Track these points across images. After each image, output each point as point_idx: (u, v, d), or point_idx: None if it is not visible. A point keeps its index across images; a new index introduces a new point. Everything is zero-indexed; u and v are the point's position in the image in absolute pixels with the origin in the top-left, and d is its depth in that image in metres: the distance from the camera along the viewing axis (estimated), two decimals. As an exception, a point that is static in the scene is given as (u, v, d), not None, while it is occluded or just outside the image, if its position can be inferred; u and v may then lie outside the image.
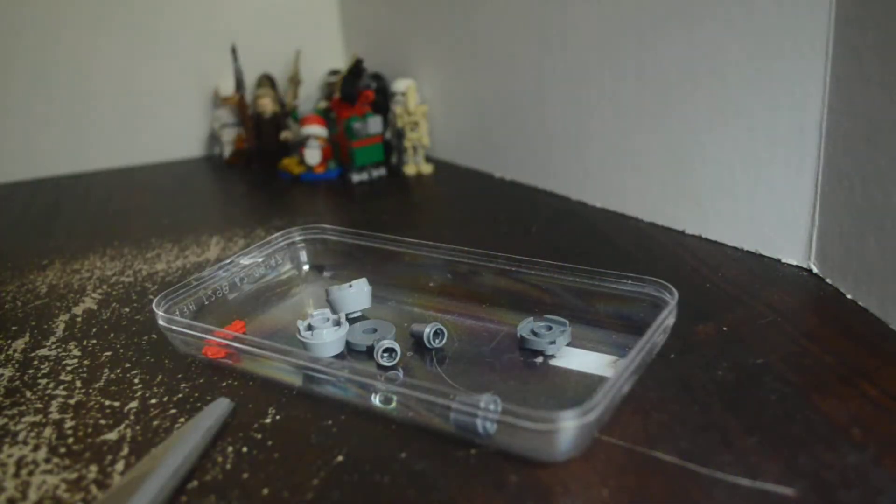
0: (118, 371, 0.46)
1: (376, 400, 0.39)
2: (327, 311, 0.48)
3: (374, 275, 0.53)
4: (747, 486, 0.32)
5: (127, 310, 0.55)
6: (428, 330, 0.45)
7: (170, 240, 0.71)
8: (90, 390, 0.44)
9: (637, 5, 0.61)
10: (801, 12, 0.49)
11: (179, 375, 0.45)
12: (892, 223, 0.44)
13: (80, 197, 0.90)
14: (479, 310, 0.50)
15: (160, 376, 0.45)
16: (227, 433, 0.39)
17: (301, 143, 0.90)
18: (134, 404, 0.42)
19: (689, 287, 0.51)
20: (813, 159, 0.51)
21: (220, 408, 0.39)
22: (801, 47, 0.50)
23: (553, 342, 0.44)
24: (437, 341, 0.45)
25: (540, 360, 0.44)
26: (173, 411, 0.41)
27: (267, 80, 1.00)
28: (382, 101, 0.92)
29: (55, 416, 0.42)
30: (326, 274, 0.59)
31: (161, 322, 0.45)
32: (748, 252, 0.57)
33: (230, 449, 0.37)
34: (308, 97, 1.06)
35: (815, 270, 0.53)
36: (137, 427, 0.40)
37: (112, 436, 0.39)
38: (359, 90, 0.87)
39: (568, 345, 0.45)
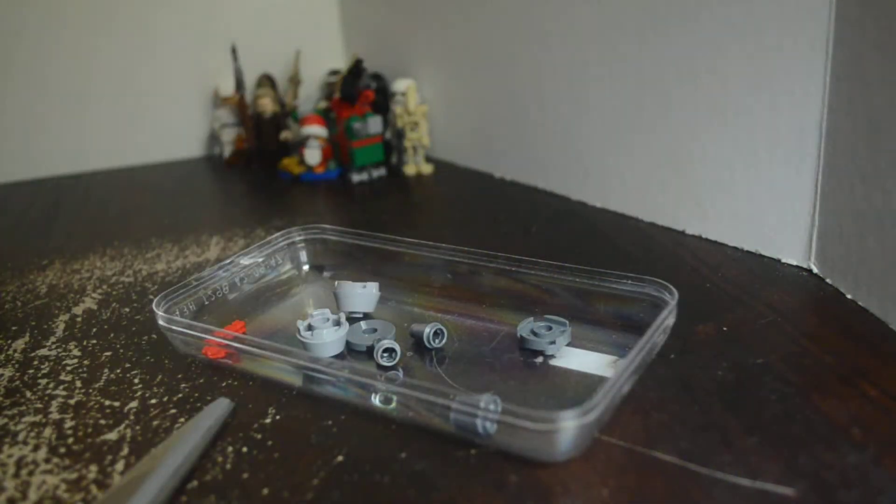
0: (118, 371, 0.46)
1: (376, 400, 0.39)
2: (327, 311, 0.48)
3: (374, 275, 0.53)
4: (747, 486, 0.32)
5: (127, 310, 0.55)
6: (428, 330, 0.45)
7: (170, 240, 0.71)
8: (90, 390, 0.44)
9: (637, 5, 0.61)
10: (801, 12, 0.49)
11: (179, 375, 0.45)
12: (892, 223, 0.44)
13: (80, 197, 0.90)
14: (479, 310, 0.50)
15: (160, 376, 0.45)
16: (227, 433, 0.39)
17: (301, 143, 0.90)
18: (134, 404, 0.42)
19: (689, 287, 0.51)
20: (813, 159, 0.51)
21: (220, 408, 0.39)
22: (801, 47, 0.50)
23: (553, 342, 0.44)
24: (437, 341, 0.45)
25: (540, 360, 0.44)
26: (173, 411, 0.41)
27: (267, 80, 1.00)
28: (382, 101, 0.92)
29: (55, 416, 0.42)
30: (326, 274, 0.59)
31: (161, 322, 0.45)
32: (748, 252, 0.57)
33: (230, 449, 0.37)
34: (308, 97, 1.06)
35: (815, 270, 0.53)
36: (137, 427, 0.40)
37: (112, 436, 0.39)
38: (359, 90, 0.87)
39: (568, 345, 0.45)
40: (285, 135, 0.95)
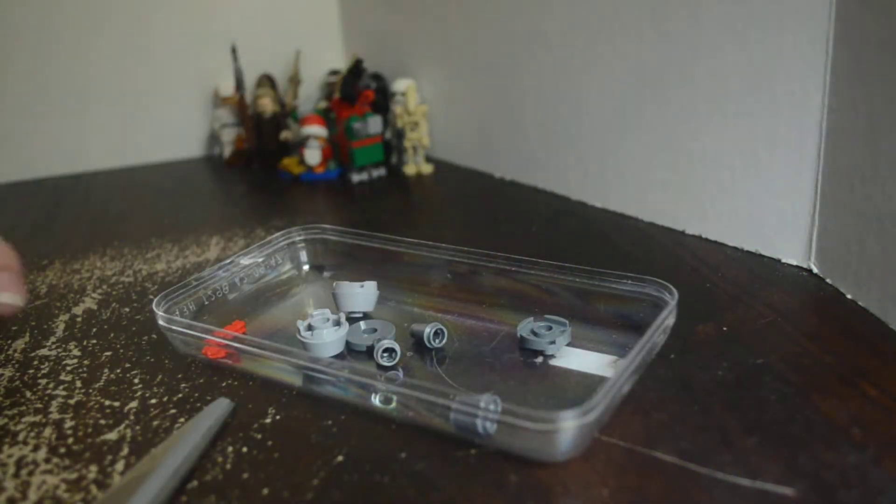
0: (118, 371, 0.46)
1: (376, 400, 0.39)
2: (327, 311, 0.48)
3: (374, 275, 0.53)
4: (747, 486, 0.32)
5: (127, 310, 0.55)
6: (428, 330, 0.45)
7: (170, 240, 0.71)
8: (90, 390, 0.44)
9: (637, 5, 0.61)
10: (801, 12, 0.49)
11: (179, 375, 0.45)
12: (892, 223, 0.44)
13: (80, 197, 0.90)
14: (479, 310, 0.50)
15: (160, 376, 0.45)
16: (227, 433, 0.39)
17: (301, 143, 0.90)
18: (134, 404, 0.42)
19: (689, 287, 0.51)
20: (813, 159, 0.51)
21: (220, 408, 0.39)
22: (801, 47, 0.50)
23: (553, 342, 0.44)
24: (437, 341, 0.45)
25: (540, 360, 0.44)
26: (173, 411, 0.41)
27: (267, 80, 1.00)
28: (382, 101, 0.92)
29: (55, 416, 0.42)
30: (326, 274, 0.59)
31: (161, 322, 0.45)
32: (748, 252, 0.57)
33: (230, 449, 0.37)
34: (308, 97, 1.06)
35: (815, 270, 0.53)
36: (137, 427, 0.40)
37: (112, 436, 0.39)
38: (359, 90, 0.87)
39: (568, 345, 0.45)
40: (285, 135, 0.95)
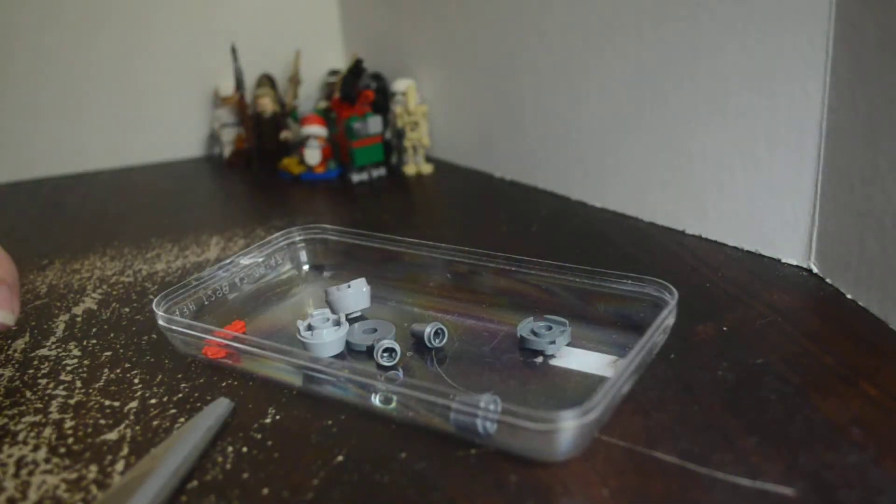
0: (118, 371, 0.46)
1: (376, 400, 0.39)
2: (327, 311, 0.48)
3: (374, 275, 0.53)
4: (747, 486, 0.32)
5: (127, 310, 0.55)
6: (428, 330, 0.45)
7: (170, 240, 0.71)
8: (90, 390, 0.44)
9: (637, 5, 0.61)
10: (801, 12, 0.49)
11: (179, 375, 0.45)
12: (892, 223, 0.44)
13: (80, 197, 0.90)
14: (479, 310, 0.50)
15: (160, 376, 0.45)
16: (227, 433, 0.39)
17: (301, 143, 0.90)
18: (134, 404, 0.42)
19: (689, 287, 0.51)
20: (813, 159, 0.51)
21: (220, 408, 0.39)
22: (801, 47, 0.50)
23: (553, 342, 0.44)
24: (437, 341, 0.45)
25: (540, 360, 0.44)
26: (173, 411, 0.41)
27: (267, 80, 1.00)
28: (382, 101, 0.92)
29: (55, 416, 0.42)
30: (326, 274, 0.59)
31: (161, 322, 0.45)
32: (748, 252, 0.57)
33: (230, 449, 0.37)
34: (308, 97, 1.06)
35: (815, 270, 0.53)
36: (137, 427, 0.40)
37: (112, 436, 0.39)
38: (359, 90, 0.87)
39: (568, 345, 0.45)
40: (285, 135, 0.95)
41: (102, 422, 0.41)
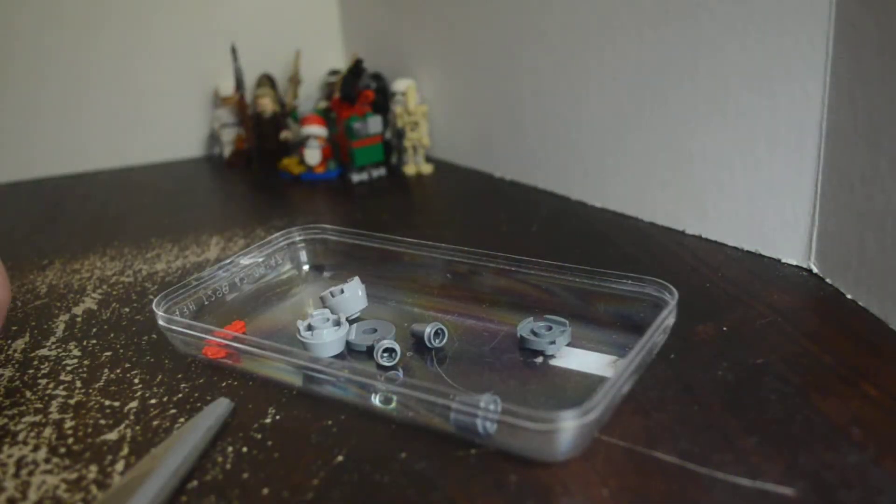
0: (118, 371, 0.46)
1: (376, 400, 0.39)
2: (327, 311, 0.48)
3: (374, 275, 0.53)
4: (747, 486, 0.32)
5: (127, 310, 0.55)
6: (428, 330, 0.45)
7: (170, 240, 0.71)
8: (90, 390, 0.44)
9: (636, 5, 0.61)
10: (801, 12, 0.49)
11: (179, 375, 0.45)
12: (892, 223, 0.44)
13: (79, 197, 0.90)
14: (479, 310, 0.50)
15: (160, 376, 0.45)
16: (227, 433, 0.39)
17: (301, 143, 0.90)
18: (134, 404, 0.42)
19: (689, 287, 0.51)
20: (813, 159, 0.51)
21: (220, 408, 0.39)
22: (801, 47, 0.50)
23: (553, 342, 0.44)
24: (437, 341, 0.45)
25: (540, 360, 0.44)
26: (173, 411, 0.41)
27: (267, 80, 1.00)
28: (382, 101, 0.92)
29: (55, 416, 0.42)
30: (326, 274, 0.59)
31: (161, 322, 0.45)
32: (748, 252, 0.57)
33: (230, 449, 0.37)
34: (308, 97, 1.06)
35: (815, 270, 0.53)
36: (137, 427, 0.40)
37: (112, 436, 0.39)
38: (359, 90, 0.87)
39: (568, 345, 0.45)
40: (285, 135, 0.95)
41: (102, 422, 0.41)
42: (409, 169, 0.90)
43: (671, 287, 0.44)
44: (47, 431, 0.40)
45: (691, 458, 0.34)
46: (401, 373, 0.44)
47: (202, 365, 0.46)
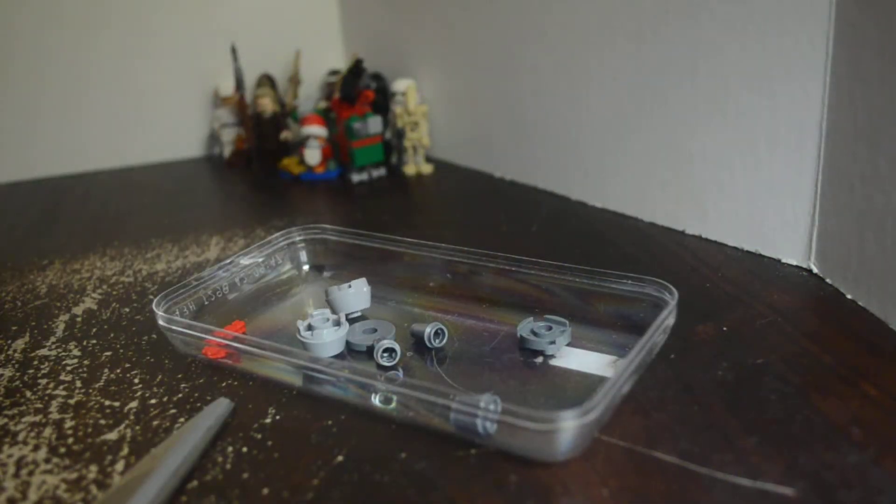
0: (118, 371, 0.46)
1: (376, 400, 0.39)
2: (327, 311, 0.48)
3: (374, 275, 0.53)
4: (747, 486, 0.32)
5: (127, 310, 0.55)
6: (428, 330, 0.45)
7: (170, 240, 0.71)
8: (90, 390, 0.44)
9: (636, 5, 0.61)
10: (801, 12, 0.49)
11: (179, 375, 0.45)
12: (892, 223, 0.44)
13: (79, 197, 0.90)
14: (479, 310, 0.50)
15: (160, 376, 0.45)
16: (227, 433, 0.39)
17: (301, 143, 0.90)
18: (134, 404, 0.42)
19: (689, 287, 0.51)
20: (813, 159, 0.51)
21: (220, 408, 0.39)
22: (801, 47, 0.50)
23: (553, 342, 0.44)
24: (437, 341, 0.45)
25: (540, 360, 0.44)
26: (173, 411, 0.41)
27: (267, 80, 1.00)
28: (382, 101, 0.92)
29: (55, 416, 0.42)
30: (326, 274, 0.59)
31: (161, 322, 0.45)
32: (748, 252, 0.57)
33: (230, 449, 0.37)
34: (308, 97, 1.06)
35: (815, 270, 0.53)
36: (137, 427, 0.40)
37: (112, 436, 0.39)
38: (359, 90, 0.87)
39: (568, 345, 0.45)
40: (285, 135, 0.95)
41: (102, 422, 0.41)
42: (409, 169, 0.90)
43: (671, 287, 0.44)
44: (47, 431, 0.40)
45: (691, 458, 0.34)
46: (401, 373, 0.44)
47: (202, 365, 0.46)
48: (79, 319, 0.54)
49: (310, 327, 0.46)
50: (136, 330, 0.52)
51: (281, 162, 0.93)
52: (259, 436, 0.38)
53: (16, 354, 0.49)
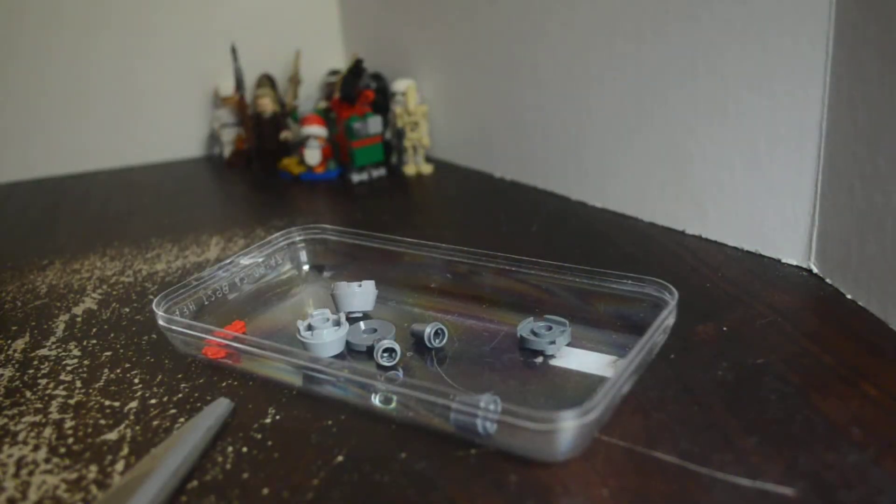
0: (118, 371, 0.46)
1: (376, 400, 0.39)
2: (327, 311, 0.48)
3: (374, 275, 0.53)
4: (747, 486, 0.32)
5: (127, 310, 0.55)
6: (428, 330, 0.45)
7: (170, 240, 0.71)
8: (90, 390, 0.44)
9: (637, 5, 0.61)
10: (801, 12, 0.49)
11: (179, 375, 0.45)
12: (892, 223, 0.44)
13: (79, 197, 0.90)
14: (479, 310, 0.50)
15: (160, 376, 0.45)
16: (227, 433, 0.39)
17: (301, 143, 0.90)
18: (134, 404, 0.42)
19: (689, 287, 0.51)
20: (813, 159, 0.51)
21: (220, 408, 0.39)
22: (801, 47, 0.50)
23: (553, 342, 0.44)
24: (437, 341, 0.45)
25: (540, 360, 0.44)
26: (173, 411, 0.41)
27: (267, 80, 1.00)
28: (382, 101, 0.92)
29: (55, 416, 0.42)
30: (326, 274, 0.59)
31: (161, 322, 0.45)
32: (748, 252, 0.57)
33: (230, 449, 0.37)
34: (308, 97, 1.06)
35: (815, 270, 0.53)
36: (137, 427, 0.40)
37: (112, 436, 0.39)
38: (359, 90, 0.87)
39: (568, 345, 0.45)
40: (285, 135, 0.95)
41: (102, 422, 0.41)
42: (409, 169, 0.90)
43: (671, 287, 0.44)
44: (47, 431, 0.40)
45: (691, 458, 0.34)
46: (401, 373, 0.44)
47: (202, 365, 0.46)
48: (79, 319, 0.54)
49: (310, 327, 0.46)
50: (136, 330, 0.52)
51: (281, 162, 0.93)
52: (259, 436, 0.38)
53: (16, 354, 0.49)
